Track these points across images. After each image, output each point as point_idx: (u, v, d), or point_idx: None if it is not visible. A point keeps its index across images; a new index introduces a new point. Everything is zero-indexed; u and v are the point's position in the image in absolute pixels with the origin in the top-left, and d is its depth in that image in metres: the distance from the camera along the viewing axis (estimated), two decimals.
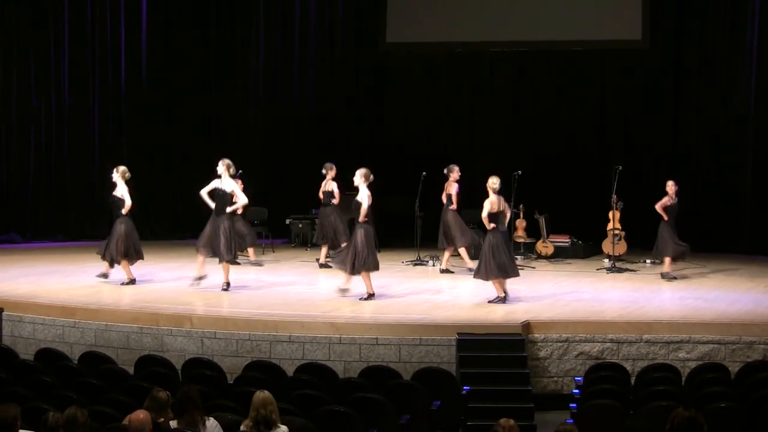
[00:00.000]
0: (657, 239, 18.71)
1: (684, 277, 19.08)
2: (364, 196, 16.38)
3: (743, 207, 22.43)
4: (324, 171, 19.93)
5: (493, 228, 16.17)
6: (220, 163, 17.32)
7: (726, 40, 22.46)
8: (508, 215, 16.56)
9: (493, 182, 16.15)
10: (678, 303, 16.61)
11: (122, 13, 24.16)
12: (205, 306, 16.12)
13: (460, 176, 19.46)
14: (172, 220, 24.19)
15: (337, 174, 19.83)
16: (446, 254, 19.61)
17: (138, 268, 18.56)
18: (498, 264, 16.13)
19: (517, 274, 16.56)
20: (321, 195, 20.04)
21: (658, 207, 18.61)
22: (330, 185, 19.86)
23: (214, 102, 24.94)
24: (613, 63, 23.59)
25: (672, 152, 23.07)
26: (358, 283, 16.69)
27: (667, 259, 18.73)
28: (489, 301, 16.35)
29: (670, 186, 18.59)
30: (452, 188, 19.37)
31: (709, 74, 22.69)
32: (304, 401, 11.25)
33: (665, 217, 18.64)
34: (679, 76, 23.07)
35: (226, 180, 17.23)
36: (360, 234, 16.37)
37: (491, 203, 16.08)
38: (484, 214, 16.11)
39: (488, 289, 17.46)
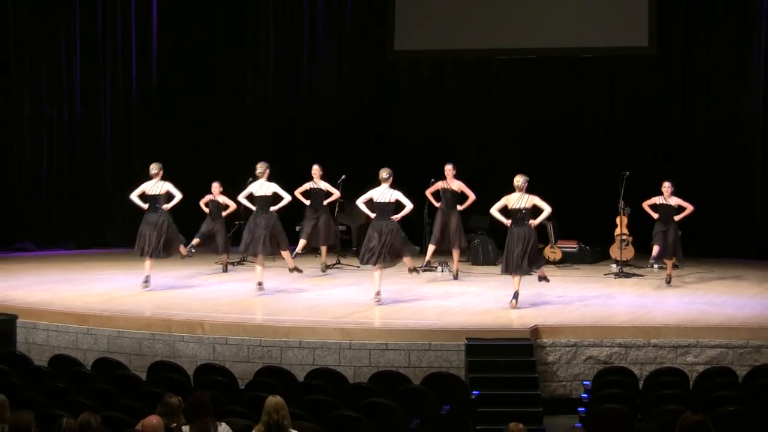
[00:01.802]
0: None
1: (686, 282, 19.16)
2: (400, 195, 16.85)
3: (752, 211, 22.44)
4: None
5: (510, 224, 16.46)
6: (258, 166, 17.95)
7: (733, 44, 22.48)
8: (545, 213, 16.68)
9: (515, 180, 16.45)
10: (686, 307, 16.59)
11: (133, 21, 24.25)
12: (217, 312, 16.14)
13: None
14: (182, 223, 24.13)
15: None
16: (455, 256, 19.75)
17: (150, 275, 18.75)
18: (505, 258, 16.57)
19: (511, 273, 16.50)
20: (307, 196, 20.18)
21: (644, 205, 18.93)
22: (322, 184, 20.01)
23: (224, 108, 24.98)
24: (620, 69, 23.61)
25: (680, 157, 23.09)
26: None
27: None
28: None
29: (665, 187, 18.67)
30: (455, 185, 19.38)
31: (717, 79, 22.70)
32: (315, 406, 11.28)
33: (654, 216, 18.76)
34: (687, 81, 23.09)
35: (266, 184, 17.84)
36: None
37: (506, 199, 16.43)
38: (496, 207, 16.55)
39: (497, 294, 17.54)
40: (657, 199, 18.73)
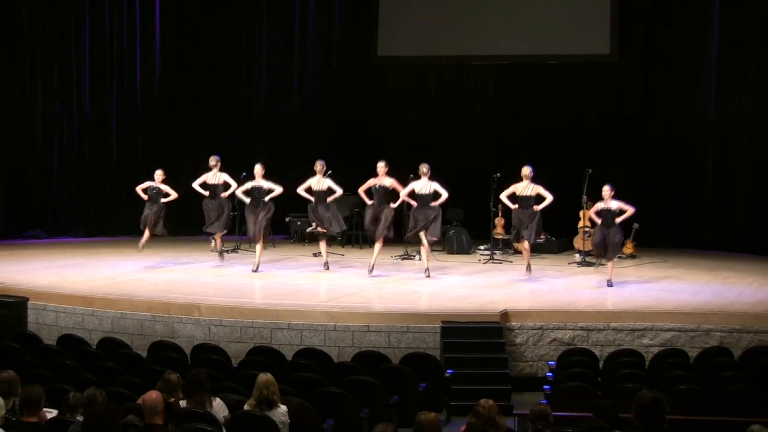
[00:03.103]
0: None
1: (643, 270, 19.18)
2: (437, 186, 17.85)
3: (704, 206, 22.48)
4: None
5: (516, 208, 17.86)
6: (317, 163, 18.50)
7: (689, 51, 22.52)
8: (548, 200, 17.66)
9: (524, 170, 17.78)
10: (642, 294, 16.65)
11: (137, 27, 24.18)
12: (213, 296, 16.14)
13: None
14: (182, 215, 24.11)
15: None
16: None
17: (150, 261, 18.75)
18: (516, 234, 18.22)
19: (528, 240, 18.02)
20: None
21: (590, 214, 17.87)
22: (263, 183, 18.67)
23: (222, 108, 24.91)
24: (585, 75, 23.61)
25: (639, 155, 23.11)
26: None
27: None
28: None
29: (605, 191, 17.27)
30: (387, 181, 18.18)
31: (673, 83, 22.74)
32: (302, 383, 11.29)
33: (597, 221, 17.46)
34: (646, 85, 23.13)
35: (323, 179, 18.47)
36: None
37: (514, 187, 17.80)
38: (504, 193, 17.97)
39: (470, 281, 17.61)
40: (598, 205, 17.44)
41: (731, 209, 22.20)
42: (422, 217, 17.83)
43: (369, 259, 18.19)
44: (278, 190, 18.48)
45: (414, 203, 17.98)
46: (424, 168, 17.86)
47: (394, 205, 18.24)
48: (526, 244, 18.15)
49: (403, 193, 18.00)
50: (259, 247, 18.68)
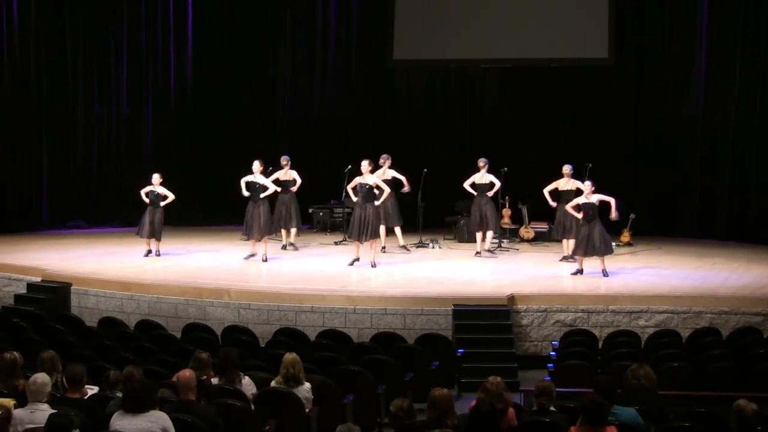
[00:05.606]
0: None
1: (639, 257, 19.11)
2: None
3: (693, 197, 22.41)
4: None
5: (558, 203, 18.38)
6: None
7: (679, 55, 22.44)
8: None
9: (564, 168, 18.44)
10: (638, 279, 16.56)
11: (171, 35, 24.21)
12: (241, 281, 16.11)
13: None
14: (211, 207, 24.14)
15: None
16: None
17: (183, 248, 18.72)
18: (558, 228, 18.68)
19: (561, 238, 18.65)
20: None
21: (567, 207, 17.31)
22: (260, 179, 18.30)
23: (249, 109, 24.89)
24: (584, 76, 23.54)
25: (633, 150, 23.05)
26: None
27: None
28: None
29: (586, 186, 16.67)
30: (370, 179, 17.64)
31: (664, 85, 22.66)
32: (324, 362, 11.28)
33: (578, 216, 16.75)
34: (639, 86, 23.06)
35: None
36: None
37: (556, 183, 18.43)
38: (547, 188, 18.52)
39: (479, 267, 17.55)
40: (579, 199, 16.72)
41: (718, 201, 22.12)
42: (478, 210, 18.75)
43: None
44: (272, 188, 18.13)
45: (474, 192, 18.80)
46: (481, 162, 18.89)
47: (378, 203, 17.55)
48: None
49: (466, 184, 18.82)
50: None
